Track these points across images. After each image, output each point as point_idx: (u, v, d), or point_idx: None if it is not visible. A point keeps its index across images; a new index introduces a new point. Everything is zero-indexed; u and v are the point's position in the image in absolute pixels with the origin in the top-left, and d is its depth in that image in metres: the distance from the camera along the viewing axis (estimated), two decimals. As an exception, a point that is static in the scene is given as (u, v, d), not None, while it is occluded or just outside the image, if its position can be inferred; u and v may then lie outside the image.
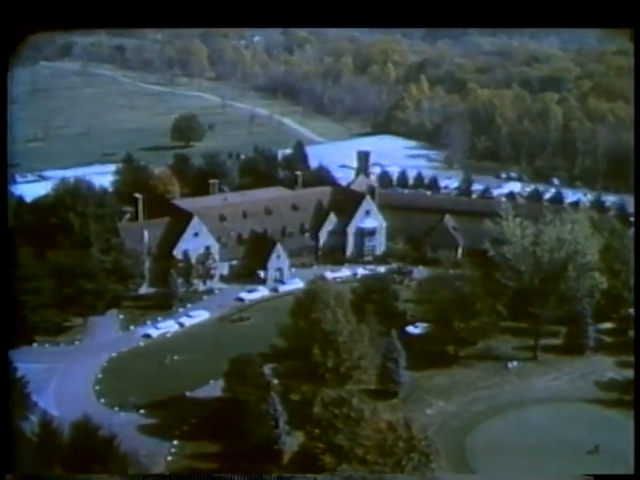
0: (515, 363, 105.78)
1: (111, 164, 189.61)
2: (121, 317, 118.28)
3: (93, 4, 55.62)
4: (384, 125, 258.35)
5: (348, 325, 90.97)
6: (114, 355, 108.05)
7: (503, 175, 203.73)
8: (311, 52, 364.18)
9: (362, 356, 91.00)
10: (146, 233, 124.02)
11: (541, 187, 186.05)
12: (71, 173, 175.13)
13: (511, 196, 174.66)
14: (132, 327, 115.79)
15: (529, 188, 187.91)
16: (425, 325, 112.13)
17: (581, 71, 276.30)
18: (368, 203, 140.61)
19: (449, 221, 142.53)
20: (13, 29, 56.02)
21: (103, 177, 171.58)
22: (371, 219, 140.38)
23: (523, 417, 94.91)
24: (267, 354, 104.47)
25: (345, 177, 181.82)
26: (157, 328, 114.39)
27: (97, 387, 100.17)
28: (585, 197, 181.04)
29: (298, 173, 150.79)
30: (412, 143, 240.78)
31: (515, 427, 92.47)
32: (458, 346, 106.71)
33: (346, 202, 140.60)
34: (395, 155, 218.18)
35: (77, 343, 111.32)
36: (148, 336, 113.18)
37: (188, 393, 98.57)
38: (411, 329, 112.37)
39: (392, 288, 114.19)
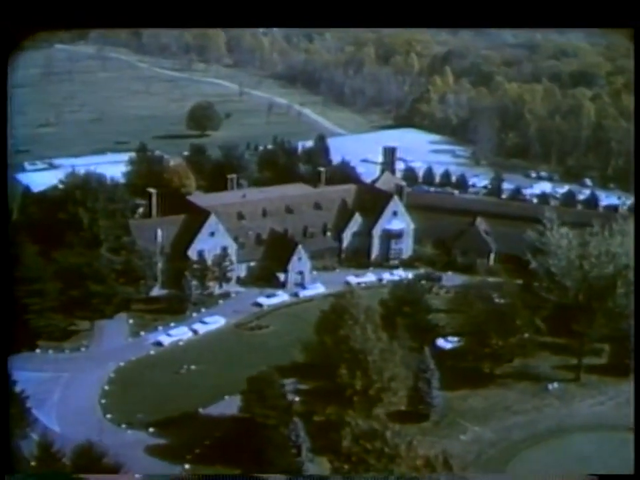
0: (555, 385, 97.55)
1: (124, 153, 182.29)
2: (131, 321, 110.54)
3: (93, 4, 55.62)
4: (407, 118, 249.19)
5: (379, 343, 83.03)
6: (122, 364, 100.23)
7: (533, 174, 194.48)
8: (331, 41, 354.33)
9: (393, 377, 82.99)
10: (159, 232, 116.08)
11: (574, 188, 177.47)
12: (82, 162, 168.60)
13: (543, 197, 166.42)
14: (142, 333, 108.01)
15: (561, 189, 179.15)
16: (456, 338, 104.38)
17: (612, 67, 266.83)
18: (395, 204, 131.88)
19: (481, 224, 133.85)
20: (13, 28, 56.12)
21: (115, 166, 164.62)
22: (398, 220, 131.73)
23: (567, 446, 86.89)
24: (287, 367, 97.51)
25: (367, 172, 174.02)
26: (169, 335, 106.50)
27: (103, 401, 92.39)
28: (618, 199, 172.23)
29: (321, 169, 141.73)
30: (436, 137, 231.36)
31: (558, 458, 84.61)
32: (493, 363, 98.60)
33: (372, 202, 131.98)
34: (419, 149, 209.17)
35: (82, 349, 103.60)
36: (159, 344, 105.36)
37: (201, 410, 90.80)
38: (442, 342, 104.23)
39: (424, 299, 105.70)
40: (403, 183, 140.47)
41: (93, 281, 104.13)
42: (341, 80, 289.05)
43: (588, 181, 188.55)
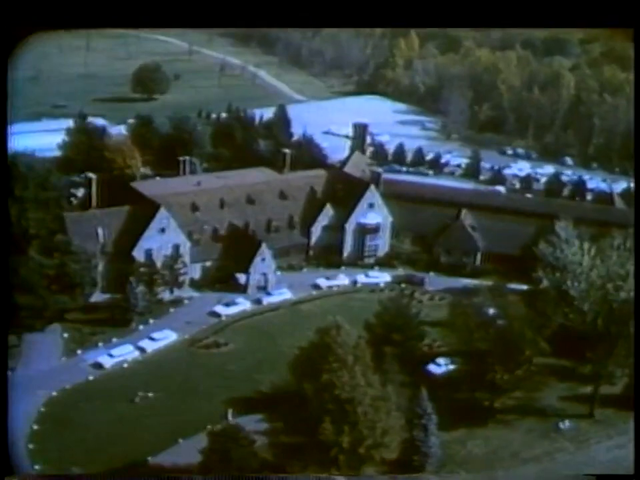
0: (567, 423, 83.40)
1: (62, 118, 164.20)
2: (66, 335, 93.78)
3: (92, 4, 55.30)
4: (370, 84, 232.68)
5: (370, 390, 67.70)
6: (54, 393, 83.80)
7: (509, 151, 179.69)
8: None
9: (386, 430, 67.91)
10: (100, 230, 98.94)
11: (555, 168, 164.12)
12: (14, 129, 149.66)
13: (526, 180, 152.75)
14: (79, 351, 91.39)
15: (541, 169, 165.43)
16: (449, 361, 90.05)
17: (584, 34, 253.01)
18: (372, 194, 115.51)
19: (466, 217, 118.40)
20: (13, 28, 56.16)
21: (51, 136, 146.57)
22: (374, 213, 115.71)
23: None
24: (251, 397, 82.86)
25: (331, 145, 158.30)
26: (110, 355, 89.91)
27: (31, 446, 76.04)
28: (604, 182, 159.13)
29: (286, 151, 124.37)
30: (402, 106, 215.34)
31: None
32: (493, 394, 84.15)
33: (345, 191, 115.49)
34: (385, 120, 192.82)
35: (7, 372, 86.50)
36: (99, 366, 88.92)
37: (150, 459, 74.95)
38: (432, 367, 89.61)
39: (415, 323, 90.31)
40: (379, 170, 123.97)
41: (20, 291, 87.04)
42: (298, 40, 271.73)
43: (569, 160, 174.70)
